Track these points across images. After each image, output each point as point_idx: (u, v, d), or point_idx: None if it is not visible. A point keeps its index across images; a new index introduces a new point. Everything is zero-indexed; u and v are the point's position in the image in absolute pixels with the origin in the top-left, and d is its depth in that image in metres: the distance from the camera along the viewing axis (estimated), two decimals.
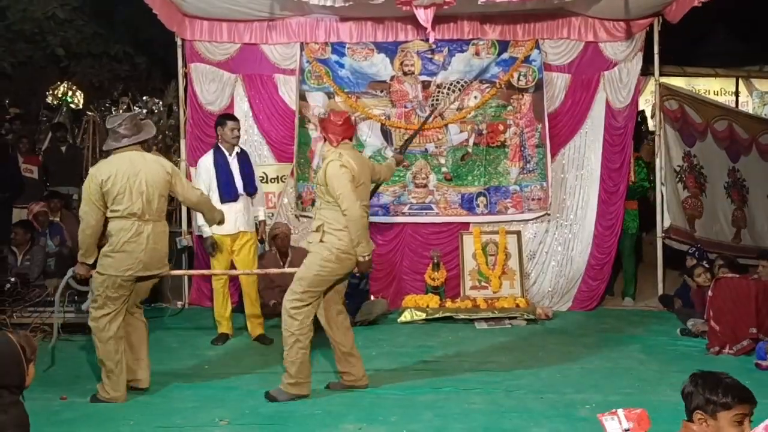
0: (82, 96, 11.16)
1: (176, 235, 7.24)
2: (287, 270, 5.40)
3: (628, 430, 2.29)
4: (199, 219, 5.75)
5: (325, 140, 4.57)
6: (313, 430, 3.89)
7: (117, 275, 4.30)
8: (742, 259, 6.86)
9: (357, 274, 4.87)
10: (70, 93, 11.21)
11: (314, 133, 7.04)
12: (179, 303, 7.11)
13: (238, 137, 5.83)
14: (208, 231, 5.65)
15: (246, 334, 5.86)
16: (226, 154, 5.74)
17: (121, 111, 9.95)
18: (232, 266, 5.86)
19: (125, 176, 4.28)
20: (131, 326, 4.52)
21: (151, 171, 4.39)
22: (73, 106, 11.13)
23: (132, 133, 4.39)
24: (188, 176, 7.11)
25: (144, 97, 10.76)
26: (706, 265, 6.19)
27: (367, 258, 4.33)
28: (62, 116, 10.16)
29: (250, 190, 5.77)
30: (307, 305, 4.29)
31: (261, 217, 5.96)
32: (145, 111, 10.41)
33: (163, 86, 10.01)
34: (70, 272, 4.59)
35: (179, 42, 7.07)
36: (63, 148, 8.94)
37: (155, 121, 10.05)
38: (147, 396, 4.48)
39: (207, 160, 5.76)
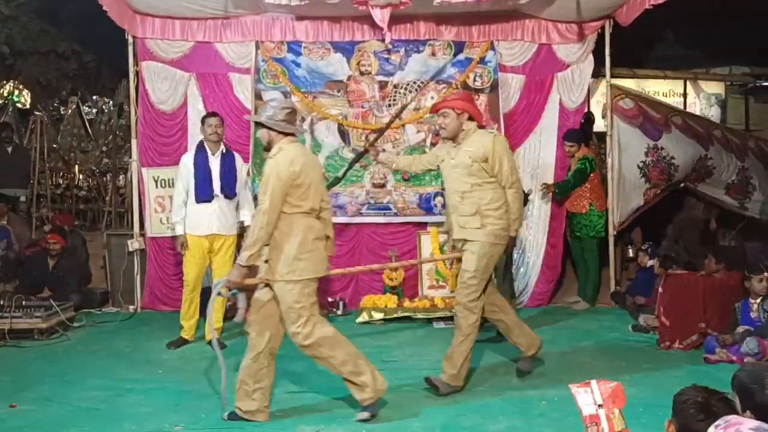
0: (29, 95, 10.86)
1: (128, 238, 7.10)
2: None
3: (601, 405, 2.06)
4: (173, 216, 5.65)
5: (469, 119, 4.35)
6: None
7: (313, 278, 3.83)
8: None
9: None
10: (16, 92, 10.89)
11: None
12: (131, 307, 6.94)
13: (218, 134, 5.67)
14: (180, 230, 5.55)
15: (202, 340, 5.73)
16: (209, 153, 5.61)
17: (69, 111, 9.73)
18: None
19: (309, 168, 3.86)
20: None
21: (317, 164, 4.06)
22: (19, 105, 10.82)
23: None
24: (140, 178, 7.00)
25: (94, 96, 10.53)
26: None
27: (516, 233, 4.46)
28: (8, 116, 9.85)
29: (229, 192, 5.59)
30: (481, 295, 4.35)
31: (247, 221, 5.64)
32: (95, 110, 10.20)
33: (114, 85, 9.80)
34: (220, 283, 3.88)
35: (130, 39, 6.90)
36: (9, 149, 8.65)
37: (105, 121, 9.90)
38: (98, 402, 4.36)
39: (188, 158, 5.65)
